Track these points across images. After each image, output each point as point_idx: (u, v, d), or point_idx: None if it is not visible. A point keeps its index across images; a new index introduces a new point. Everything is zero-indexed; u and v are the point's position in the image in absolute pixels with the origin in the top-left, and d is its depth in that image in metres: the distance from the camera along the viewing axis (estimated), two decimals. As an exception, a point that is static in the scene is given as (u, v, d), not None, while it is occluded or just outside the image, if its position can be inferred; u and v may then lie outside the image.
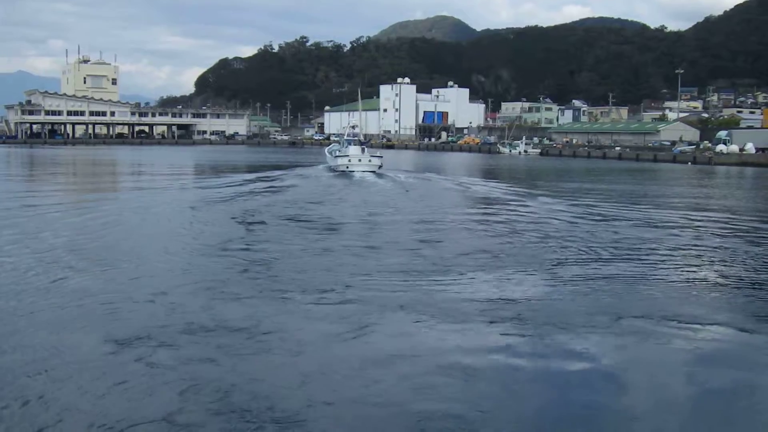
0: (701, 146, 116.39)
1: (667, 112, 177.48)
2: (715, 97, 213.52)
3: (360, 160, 62.25)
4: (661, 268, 20.16)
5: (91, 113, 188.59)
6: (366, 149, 66.53)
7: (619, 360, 12.30)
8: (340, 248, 22.62)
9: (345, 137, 71.05)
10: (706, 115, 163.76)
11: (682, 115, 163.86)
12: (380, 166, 62.14)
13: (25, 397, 10.09)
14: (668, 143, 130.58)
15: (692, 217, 33.57)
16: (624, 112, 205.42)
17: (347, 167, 61.26)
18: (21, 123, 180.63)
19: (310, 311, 14.81)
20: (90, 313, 14.50)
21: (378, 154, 66.88)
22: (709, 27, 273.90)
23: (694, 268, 20.47)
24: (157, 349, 12.16)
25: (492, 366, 11.95)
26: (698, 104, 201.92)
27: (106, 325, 13.66)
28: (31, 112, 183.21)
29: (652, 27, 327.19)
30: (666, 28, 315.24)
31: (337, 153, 65.38)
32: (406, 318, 14.44)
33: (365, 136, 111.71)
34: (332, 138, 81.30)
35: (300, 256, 21.23)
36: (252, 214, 32.05)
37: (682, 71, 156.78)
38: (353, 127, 73.49)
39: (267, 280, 17.82)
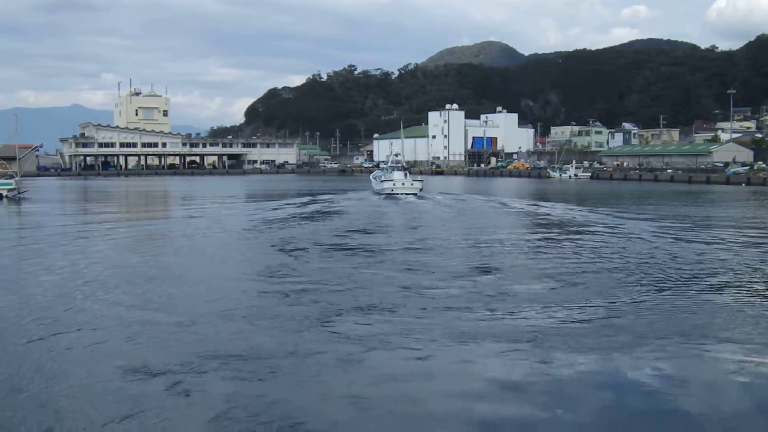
0: (755, 167, 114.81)
1: (719, 133, 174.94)
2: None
3: (403, 184, 70.34)
4: (728, 291, 20.24)
5: (143, 144, 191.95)
6: (408, 174, 74.60)
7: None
8: (388, 273, 23.03)
9: (389, 164, 78.59)
10: (759, 135, 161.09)
11: (734, 135, 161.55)
12: (421, 189, 70.11)
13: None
14: (721, 164, 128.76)
15: (752, 237, 33.42)
16: (675, 134, 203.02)
17: (392, 190, 69.46)
18: (75, 155, 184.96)
19: (351, 338, 15.01)
20: (125, 336, 15.11)
21: (419, 179, 76.65)
22: (761, 45, 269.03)
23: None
24: (189, 373, 12.57)
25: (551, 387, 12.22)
26: (751, 124, 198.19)
27: (139, 349, 14.21)
28: (84, 145, 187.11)
29: (702, 47, 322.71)
30: (717, 48, 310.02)
31: (382, 178, 74.17)
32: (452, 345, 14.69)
33: (408, 162, 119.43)
34: (381, 165, 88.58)
35: (347, 281, 21.65)
36: (308, 236, 32.73)
37: (734, 91, 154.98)
38: (396, 155, 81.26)
39: (310, 306, 18.10)
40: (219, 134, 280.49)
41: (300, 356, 13.54)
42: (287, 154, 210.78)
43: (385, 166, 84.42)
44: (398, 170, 73.52)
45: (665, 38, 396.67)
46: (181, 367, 12.84)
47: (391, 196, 67.65)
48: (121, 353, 13.91)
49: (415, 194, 67.94)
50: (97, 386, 11.99)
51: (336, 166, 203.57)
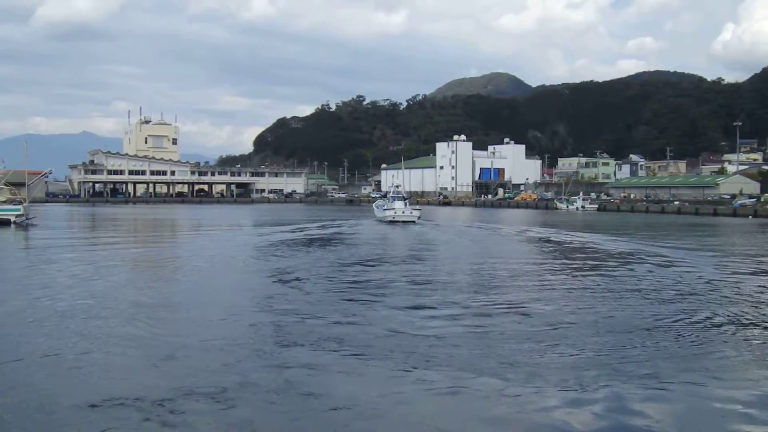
0: (762, 199, 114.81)
1: (726, 165, 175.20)
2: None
3: (403, 212, 79.66)
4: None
5: (152, 172, 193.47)
6: (408, 203, 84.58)
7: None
8: (388, 306, 22.88)
9: (391, 194, 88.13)
10: (766, 167, 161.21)
11: (741, 167, 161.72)
12: (419, 217, 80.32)
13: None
14: (728, 197, 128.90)
15: (748, 266, 33.43)
16: (682, 165, 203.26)
17: (393, 217, 78.30)
18: (84, 182, 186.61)
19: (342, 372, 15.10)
20: (105, 366, 14.99)
21: (418, 208, 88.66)
22: (766, 77, 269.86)
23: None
24: (168, 405, 12.38)
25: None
26: (758, 156, 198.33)
27: (120, 380, 14.04)
28: (93, 172, 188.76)
29: (709, 79, 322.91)
30: (723, 80, 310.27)
31: (385, 207, 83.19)
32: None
33: (416, 193, 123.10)
34: (388, 195, 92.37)
35: (345, 313, 21.54)
36: (317, 263, 32.79)
37: (740, 123, 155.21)
38: (397, 186, 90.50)
39: (302, 337, 18.05)
40: (228, 163, 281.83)
41: (286, 390, 13.39)
42: (295, 184, 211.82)
43: (388, 196, 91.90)
44: (399, 200, 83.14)
45: (672, 70, 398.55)
46: (160, 399, 12.66)
47: (392, 222, 76.67)
48: (98, 384, 13.79)
49: (413, 221, 77.44)
50: (68, 416, 11.94)
51: (344, 195, 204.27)
